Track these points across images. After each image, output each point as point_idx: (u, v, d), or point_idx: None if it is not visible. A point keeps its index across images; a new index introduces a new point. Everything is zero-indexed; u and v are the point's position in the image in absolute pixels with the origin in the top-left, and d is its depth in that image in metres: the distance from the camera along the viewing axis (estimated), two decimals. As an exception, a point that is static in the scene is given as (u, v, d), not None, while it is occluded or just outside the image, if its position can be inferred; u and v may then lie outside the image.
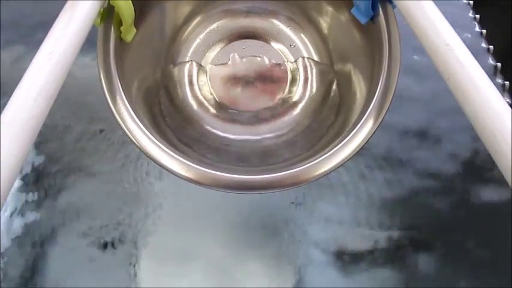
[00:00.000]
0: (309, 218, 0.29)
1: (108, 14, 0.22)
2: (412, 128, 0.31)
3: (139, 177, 0.29)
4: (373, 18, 0.24)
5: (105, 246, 0.28)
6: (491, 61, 0.32)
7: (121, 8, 0.21)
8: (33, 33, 0.34)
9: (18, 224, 0.29)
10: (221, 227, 0.28)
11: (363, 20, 0.24)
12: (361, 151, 0.22)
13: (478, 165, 0.31)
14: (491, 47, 0.32)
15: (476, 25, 0.33)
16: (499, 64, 0.31)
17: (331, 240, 0.28)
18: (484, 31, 0.33)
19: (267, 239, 0.28)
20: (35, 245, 0.28)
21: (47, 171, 0.30)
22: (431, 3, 0.20)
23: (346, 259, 0.28)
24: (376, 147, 0.31)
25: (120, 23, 0.22)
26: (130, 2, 0.22)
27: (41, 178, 0.30)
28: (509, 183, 0.15)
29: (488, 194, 0.29)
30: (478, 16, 0.33)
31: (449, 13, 0.33)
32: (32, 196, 0.29)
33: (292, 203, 0.29)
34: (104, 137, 0.31)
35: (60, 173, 0.30)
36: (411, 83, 0.32)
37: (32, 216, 0.29)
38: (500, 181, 0.16)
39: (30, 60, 0.18)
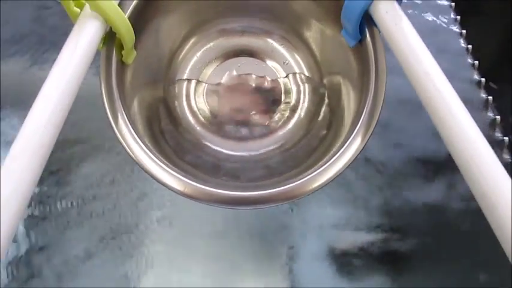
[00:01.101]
0: (304, 220, 0.30)
1: (109, 38, 0.23)
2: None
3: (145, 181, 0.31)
4: (361, 41, 0.25)
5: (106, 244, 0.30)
6: (476, 76, 0.33)
7: (122, 33, 0.23)
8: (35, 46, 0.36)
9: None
10: (220, 231, 0.30)
11: (351, 43, 0.25)
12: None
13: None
14: (476, 62, 0.33)
15: (462, 41, 0.35)
16: (483, 79, 0.33)
17: (326, 242, 0.30)
18: (470, 46, 0.34)
19: (260, 239, 0.30)
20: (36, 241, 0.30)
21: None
22: (414, 32, 0.21)
23: (341, 261, 0.29)
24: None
25: (121, 47, 0.24)
26: (131, 27, 0.23)
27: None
28: (481, 206, 0.17)
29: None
30: (464, 31, 0.35)
31: (435, 28, 0.35)
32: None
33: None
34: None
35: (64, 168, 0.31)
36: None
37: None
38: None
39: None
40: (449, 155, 0.18)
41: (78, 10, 0.22)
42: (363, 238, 0.30)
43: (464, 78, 0.33)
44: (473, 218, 0.30)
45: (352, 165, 0.23)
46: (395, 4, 0.22)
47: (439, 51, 0.33)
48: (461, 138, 0.17)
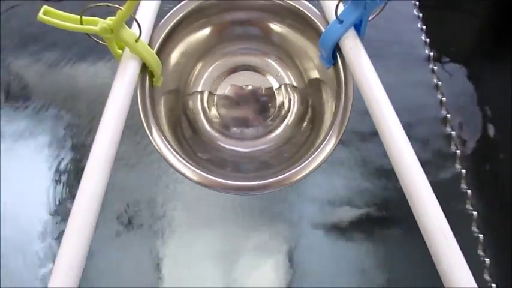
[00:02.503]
0: (299, 197, 0.38)
1: (143, 70, 0.31)
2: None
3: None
4: (334, 64, 0.32)
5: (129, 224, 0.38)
6: (434, 80, 0.40)
7: (153, 66, 0.30)
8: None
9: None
10: (228, 212, 0.37)
11: (326, 66, 0.32)
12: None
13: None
14: (435, 67, 0.41)
15: (428, 48, 0.41)
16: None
17: (321, 217, 0.37)
18: (432, 54, 0.41)
19: (260, 216, 0.38)
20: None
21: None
22: (370, 67, 0.28)
23: (336, 234, 0.37)
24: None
25: (152, 75, 0.31)
26: (159, 61, 0.31)
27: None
28: (405, 192, 0.24)
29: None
30: (428, 40, 0.41)
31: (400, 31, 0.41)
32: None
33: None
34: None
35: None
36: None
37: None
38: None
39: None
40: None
41: (120, 51, 0.29)
42: (358, 210, 0.37)
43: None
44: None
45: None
46: (358, 42, 0.29)
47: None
48: (399, 160, 0.25)
